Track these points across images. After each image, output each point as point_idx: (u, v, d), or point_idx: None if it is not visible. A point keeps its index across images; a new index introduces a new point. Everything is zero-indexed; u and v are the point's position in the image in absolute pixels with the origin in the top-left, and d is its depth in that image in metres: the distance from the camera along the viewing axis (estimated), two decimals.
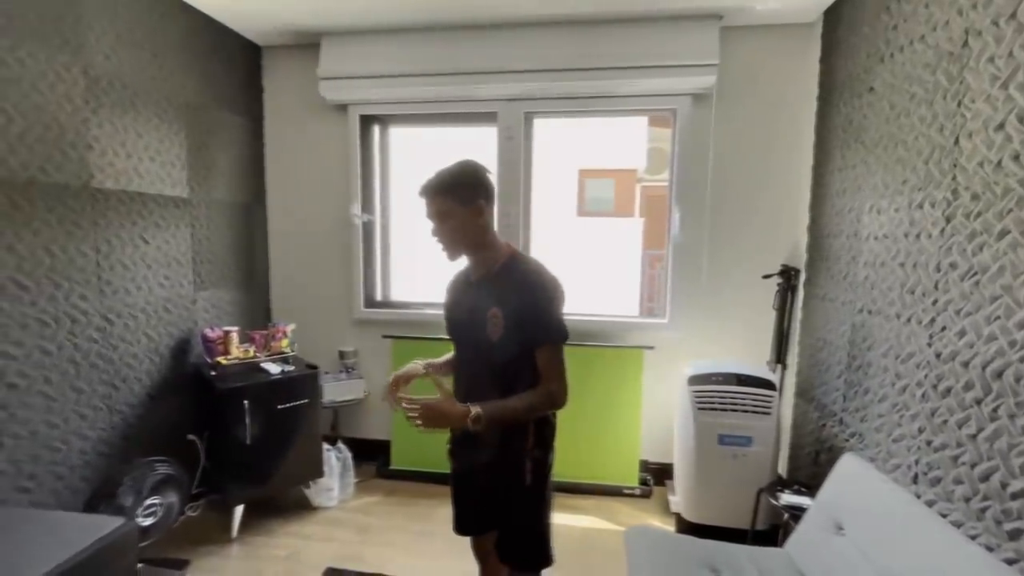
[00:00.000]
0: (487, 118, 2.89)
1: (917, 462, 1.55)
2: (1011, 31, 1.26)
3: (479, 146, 2.96)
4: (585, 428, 2.73)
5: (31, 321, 1.86)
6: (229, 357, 2.47)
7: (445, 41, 2.69)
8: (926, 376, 1.54)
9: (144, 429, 2.33)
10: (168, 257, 2.44)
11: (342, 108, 2.97)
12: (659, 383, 2.78)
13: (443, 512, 2.57)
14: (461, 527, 1.54)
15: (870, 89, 1.94)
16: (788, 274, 2.52)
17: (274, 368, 2.48)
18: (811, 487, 2.01)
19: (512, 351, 1.29)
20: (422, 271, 3.29)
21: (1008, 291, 1.24)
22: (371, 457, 3.04)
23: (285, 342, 2.65)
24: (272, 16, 2.62)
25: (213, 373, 2.39)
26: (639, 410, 2.77)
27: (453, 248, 1.37)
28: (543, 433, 1.38)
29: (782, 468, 2.53)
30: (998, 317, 1.27)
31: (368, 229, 3.11)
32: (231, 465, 2.33)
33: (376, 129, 3.10)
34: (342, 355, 3.08)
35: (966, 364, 1.37)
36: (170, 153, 2.43)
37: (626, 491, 2.78)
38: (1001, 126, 1.28)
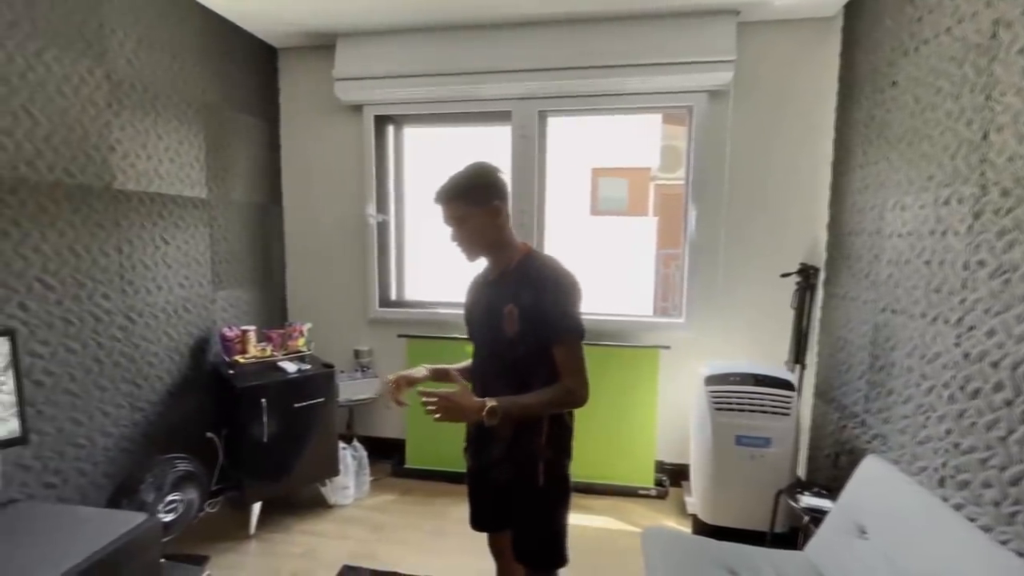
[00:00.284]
0: (501, 117, 2.88)
1: (944, 465, 1.52)
2: None
3: (493, 146, 2.96)
4: (600, 428, 2.71)
5: (56, 320, 1.90)
6: (247, 356, 2.50)
7: (459, 40, 2.69)
8: (953, 377, 1.50)
9: (165, 426, 2.36)
10: (187, 257, 2.48)
11: (357, 109, 2.99)
12: (675, 383, 2.76)
13: (457, 511, 2.58)
14: (477, 523, 1.54)
15: (893, 83, 1.90)
16: (807, 273, 2.48)
17: (291, 367, 2.51)
18: (831, 489, 1.97)
19: (528, 348, 1.29)
20: (436, 270, 3.30)
21: None
22: (386, 456, 3.06)
23: (301, 341, 2.67)
24: (288, 18, 2.65)
25: (231, 372, 2.42)
26: (655, 410, 2.74)
27: (471, 251, 1.38)
28: (558, 435, 1.36)
29: (800, 470, 2.49)
30: None
31: (383, 229, 3.12)
32: (249, 463, 2.36)
33: (391, 129, 3.12)
34: (357, 354, 3.10)
35: (995, 364, 1.33)
36: (189, 154, 2.47)
37: (641, 492, 2.76)
38: None
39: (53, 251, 1.88)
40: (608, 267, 3.66)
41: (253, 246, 2.93)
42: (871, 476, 1.64)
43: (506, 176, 1.39)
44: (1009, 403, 1.28)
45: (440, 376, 1.48)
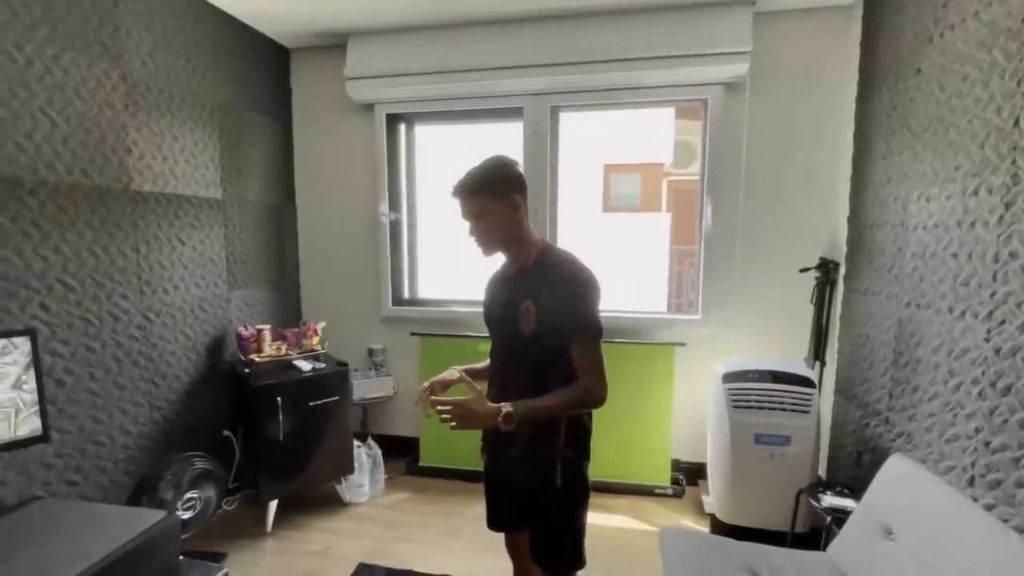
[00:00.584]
0: (513, 113, 2.87)
1: (973, 464, 1.47)
2: None
3: (505, 142, 2.94)
4: (616, 427, 2.68)
5: (76, 320, 1.92)
6: (262, 355, 2.52)
7: (470, 37, 2.68)
8: (983, 373, 1.45)
9: (182, 425, 2.39)
10: (203, 257, 2.50)
11: (368, 108, 3.00)
12: (691, 381, 2.72)
13: (472, 509, 2.58)
14: (494, 523, 1.53)
15: (917, 71, 1.84)
16: (827, 267, 2.43)
17: (305, 365, 2.52)
18: (854, 489, 1.93)
19: (545, 345, 1.26)
20: (449, 268, 3.29)
21: None
22: (401, 454, 3.06)
23: (316, 340, 2.68)
24: (299, 18, 2.66)
25: (247, 370, 2.44)
26: (671, 408, 2.71)
27: (489, 246, 1.35)
28: (576, 435, 1.33)
29: (821, 469, 2.44)
30: None
31: (395, 227, 3.12)
32: (265, 461, 2.37)
33: (402, 128, 3.12)
34: (371, 352, 3.11)
35: None
36: (204, 155, 2.49)
37: (658, 491, 2.73)
38: None
39: (73, 252, 1.90)
40: (621, 264, 3.62)
41: (267, 246, 2.95)
42: (896, 475, 1.60)
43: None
44: None
45: (473, 376, 1.44)
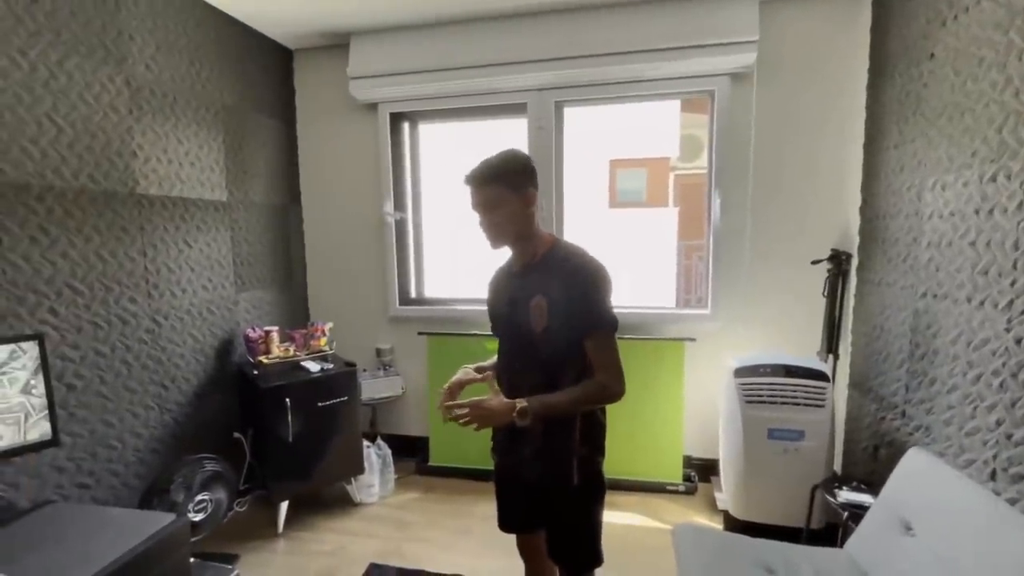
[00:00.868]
0: (517, 109, 2.85)
1: (995, 457, 1.43)
2: None
3: (509, 139, 2.92)
4: (626, 423, 2.66)
5: (86, 324, 1.93)
6: (270, 356, 2.52)
7: (473, 33, 2.66)
8: (1004, 364, 1.41)
9: (192, 427, 2.40)
10: (210, 260, 2.51)
11: (372, 107, 2.99)
12: (701, 376, 2.69)
13: (482, 508, 2.57)
14: (506, 523, 1.51)
15: (930, 56, 1.80)
16: (839, 259, 2.38)
17: (314, 366, 2.52)
18: (871, 484, 1.89)
19: (557, 341, 1.24)
20: (456, 267, 3.28)
21: None
22: (410, 453, 3.06)
23: (324, 340, 2.68)
24: (302, 19, 2.65)
25: (255, 372, 2.44)
26: (681, 404, 2.68)
27: (500, 238, 1.31)
28: (591, 431, 1.32)
29: (836, 464, 2.40)
30: None
31: (401, 227, 3.12)
32: (275, 462, 2.38)
33: (406, 126, 3.10)
34: (379, 352, 3.11)
35: None
36: (208, 158, 2.49)
37: (669, 488, 2.70)
38: None
39: (80, 256, 1.91)
40: (629, 260, 3.59)
41: (274, 247, 2.95)
42: (915, 469, 1.56)
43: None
44: None
45: (486, 373, 1.43)
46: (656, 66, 2.51)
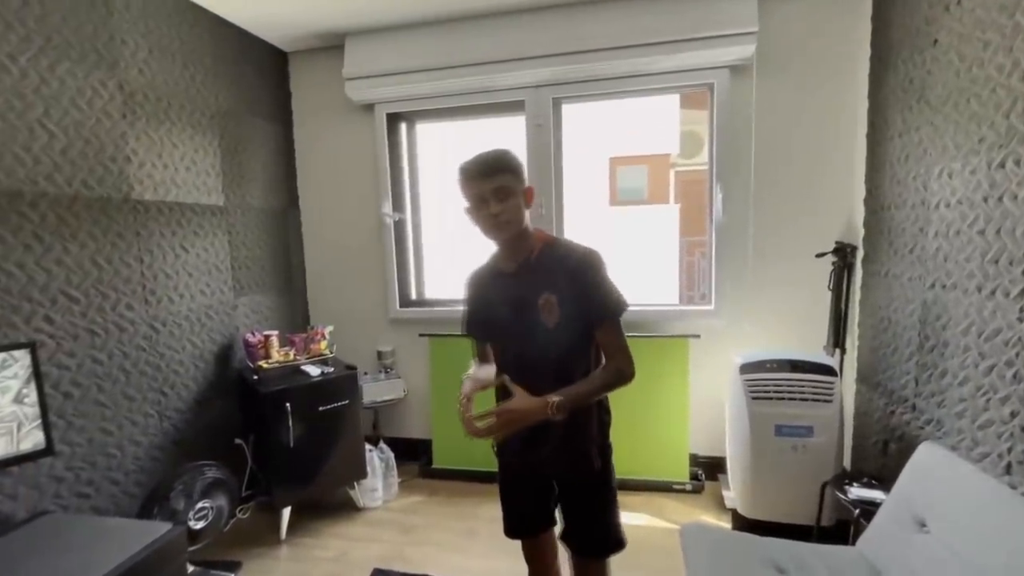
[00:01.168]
0: (514, 107, 2.82)
1: (1010, 450, 1.39)
2: None
3: (507, 137, 2.90)
4: (631, 422, 2.61)
5: (82, 332, 1.91)
6: (270, 361, 2.50)
7: (468, 30, 2.63)
8: (1017, 354, 1.37)
9: (192, 434, 2.38)
10: (208, 264, 2.49)
11: (368, 108, 2.97)
12: (706, 373, 2.65)
13: (487, 510, 2.54)
14: (514, 530, 1.49)
15: (934, 42, 1.76)
16: (843, 251, 2.35)
17: (314, 370, 2.49)
18: (882, 479, 1.86)
19: (571, 335, 1.26)
20: (456, 267, 3.25)
21: None
22: (413, 456, 3.03)
23: (324, 344, 2.66)
24: (296, 20, 2.63)
25: (255, 377, 2.42)
26: (687, 402, 2.64)
27: (509, 226, 1.25)
28: (604, 420, 1.37)
29: (846, 460, 2.36)
30: None
31: (400, 228, 3.09)
32: (277, 467, 2.35)
33: (403, 127, 3.08)
34: (380, 355, 3.08)
35: None
36: (204, 162, 2.47)
37: (676, 487, 2.66)
38: None
39: (75, 263, 1.89)
40: (630, 257, 3.56)
41: (272, 251, 2.93)
42: (927, 464, 1.52)
43: None
44: None
45: (486, 380, 1.39)
46: (654, 60, 2.48)
